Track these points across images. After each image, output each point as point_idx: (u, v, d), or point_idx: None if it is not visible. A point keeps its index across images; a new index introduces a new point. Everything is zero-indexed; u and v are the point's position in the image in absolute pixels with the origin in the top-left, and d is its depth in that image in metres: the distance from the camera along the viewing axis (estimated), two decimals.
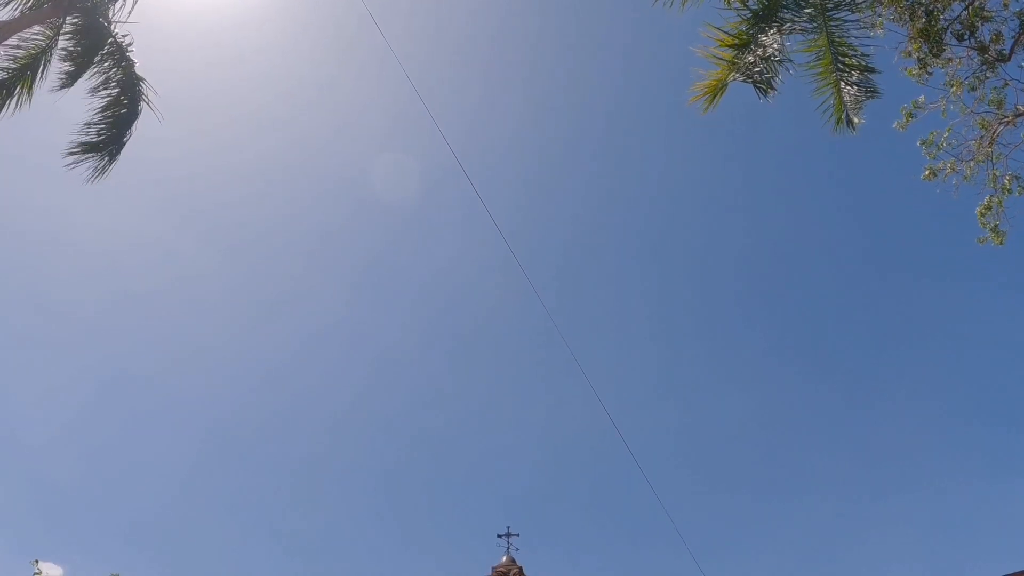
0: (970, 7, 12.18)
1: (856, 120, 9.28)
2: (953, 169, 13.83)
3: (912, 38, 12.62)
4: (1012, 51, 12.57)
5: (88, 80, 9.78)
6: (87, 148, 9.31)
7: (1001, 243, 13.83)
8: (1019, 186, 13.51)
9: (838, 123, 9.22)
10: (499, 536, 15.02)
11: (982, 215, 13.75)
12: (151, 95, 10.30)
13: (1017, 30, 12.37)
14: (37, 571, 18.92)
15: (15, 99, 9.26)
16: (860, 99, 9.19)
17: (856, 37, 9.29)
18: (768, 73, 9.33)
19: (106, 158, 9.05)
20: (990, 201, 13.66)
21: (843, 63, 9.15)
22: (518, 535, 14.97)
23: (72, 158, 9.40)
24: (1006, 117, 13.26)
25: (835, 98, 9.26)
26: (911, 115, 13.81)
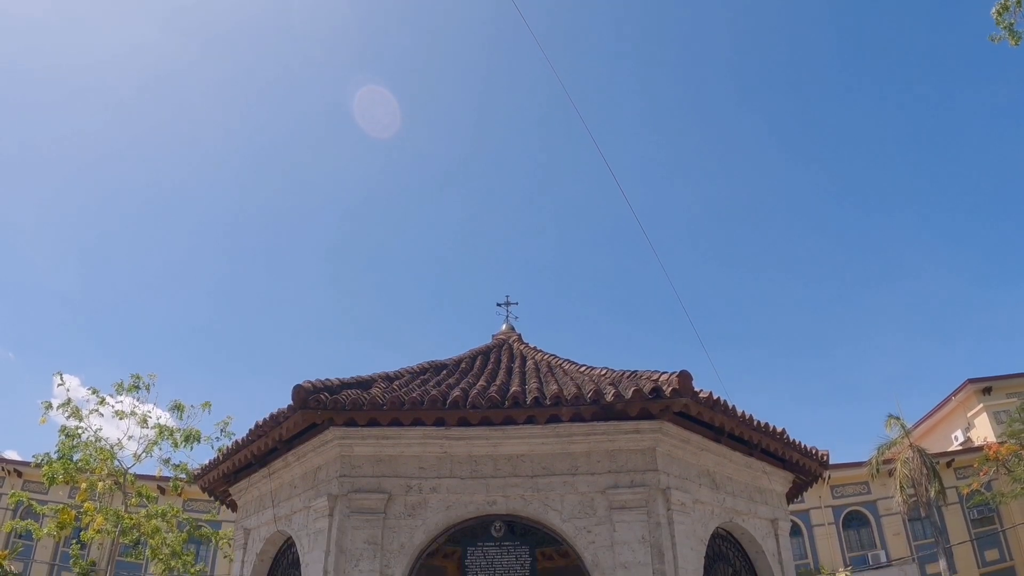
0: None
1: None
2: None
3: None
4: None
5: None
6: None
7: (1017, 44, 13.35)
8: None
9: None
10: (498, 305, 15.31)
11: (999, 14, 13.19)
12: None
13: None
14: (60, 382, 20.20)
15: None
16: None
17: None
18: None
19: None
20: (1007, 1, 13.04)
21: None
22: (517, 304, 15.18)
23: None
24: None
25: None
26: None
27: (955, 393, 39.50)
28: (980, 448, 34.29)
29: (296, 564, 9.88)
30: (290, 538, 10.24)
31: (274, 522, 10.51)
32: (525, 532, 9.05)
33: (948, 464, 35.82)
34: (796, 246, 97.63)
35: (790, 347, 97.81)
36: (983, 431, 37.54)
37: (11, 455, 40.77)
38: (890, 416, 30.71)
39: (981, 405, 38.14)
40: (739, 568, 11.22)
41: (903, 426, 30.57)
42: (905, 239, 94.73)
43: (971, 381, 38.74)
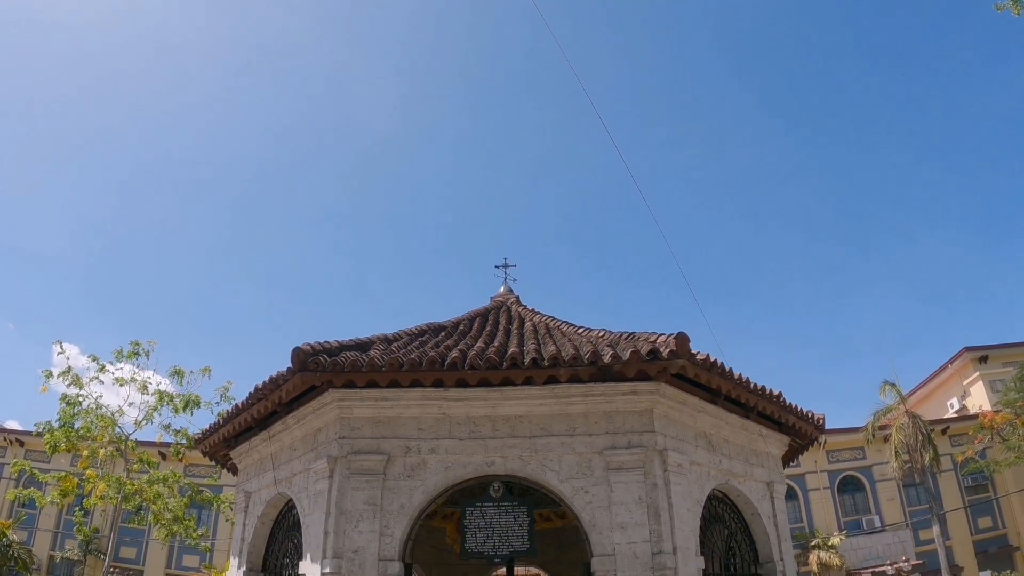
0: None
1: None
2: None
3: None
4: None
5: None
6: None
7: (1019, 14, 13.09)
8: None
9: None
10: (496, 267, 15.28)
11: None
12: None
13: None
14: (60, 350, 20.25)
15: None
16: None
17: None
18: None
19: None
20: None
21: None
22: (515, 266, 15.23)
23: None
24: None
25: None
26: None
27: (951, 361, 39.68)
28: (975, 416, 34.47)
29: (297, 526, 10.00)
30: (291, 500, 10.34)
31: (275, 485, 10.61)
32: (523, 492, 9.14)
33: (943, 431, 36.07)
34: (794, 210, 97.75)
35: (787, 311, 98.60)
36: (979, 399, 37.76)
37: (12, 425, 41.02)
38: (885, 382, 30.82)
39: (977, 373, 38.30)
40: (735, 530, 11.36)
41: (899, 392, 30.65)
42: (905, 206, 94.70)
43: (968, 349, 38.90)
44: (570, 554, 12.87)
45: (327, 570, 8.54)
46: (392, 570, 8.49)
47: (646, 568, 8.31)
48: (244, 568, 11.19)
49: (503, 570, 14.86)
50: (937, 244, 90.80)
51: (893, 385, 30.36)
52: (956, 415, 38.33)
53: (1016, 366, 33.52)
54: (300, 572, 9.25)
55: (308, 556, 9.08)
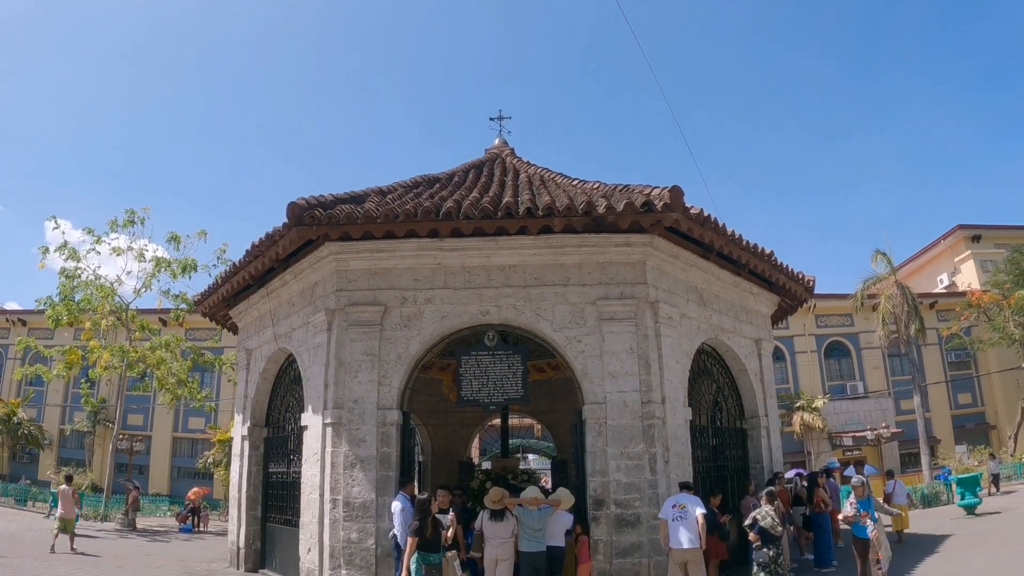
0: None
1: None
2: None
3: None
4: None
5: None
6: None
7: None
8: None
9: None
10: (491, 119, 15.16)
11: None
12: None
13: None
14: (55, 225, 20.14)
15: None
16: None
17: None
18: None
19: None
20: None
21: None
22: (510, 118, 15.02)
23: None
24: None
25: None
26: None
27: (944, 236, 39.71)
28: (963, 293, 34.70)
29: (298, 380, 10.26)
30: (291, 355, 10.59)
31: (275, 340, 10.83)
32: (517, 342, 9.35)
33: (931, 306, 36.48)
34: (795, 75, 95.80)
35: (783, 177, 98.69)
36: (968, 277, 38.00)
37: (12, 307, 41.36)
38: (877, 251, 30.71)
39: (969, 252, 38.43)
40: (722, 384, 11.72)
41: (889, 262, 30.62)
42: (905, 81, 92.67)
43: (961, 227, 38.90)
44: (563, 403, 13.29)
45: (328, 420, 8.87)
46: (391, 418, 8.81)
47: (635, 416, 8.64)
48: (248, 424, 11.59)
49: (498, 420, 15.43)
50: (940, 122, 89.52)
51: (884, 255, 30.33)
52: (945, 291, 38.63)
53: (1008, 248, 33.38)
54: (302, 424, 9.58)
55: (309, 408, 9.39)
